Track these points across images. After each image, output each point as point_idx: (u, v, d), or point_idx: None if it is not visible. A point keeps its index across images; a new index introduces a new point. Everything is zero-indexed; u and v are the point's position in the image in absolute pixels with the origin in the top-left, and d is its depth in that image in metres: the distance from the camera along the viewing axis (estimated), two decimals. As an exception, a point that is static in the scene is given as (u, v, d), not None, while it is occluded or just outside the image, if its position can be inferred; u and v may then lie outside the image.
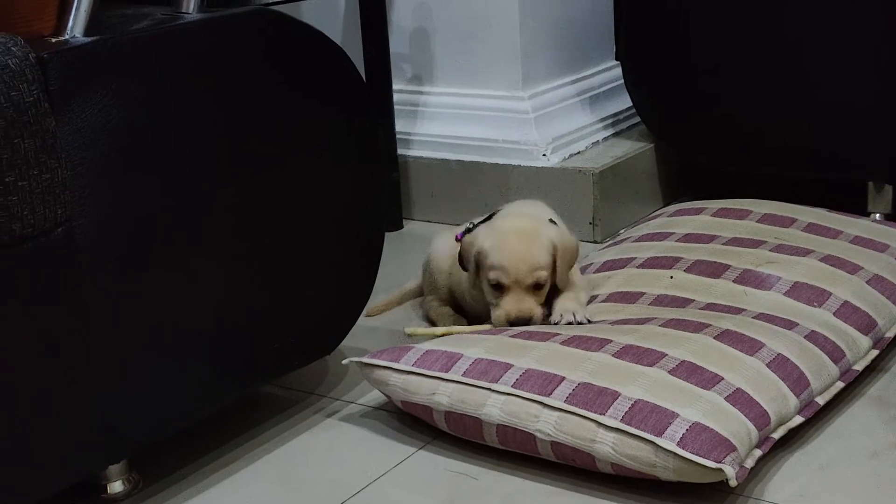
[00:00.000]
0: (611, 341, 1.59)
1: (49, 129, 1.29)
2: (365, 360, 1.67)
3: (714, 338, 1.59)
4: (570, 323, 1.75)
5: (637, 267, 1.92)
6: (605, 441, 1.44)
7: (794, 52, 2.25)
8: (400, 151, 2.54)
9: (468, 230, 1.87)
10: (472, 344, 1.64)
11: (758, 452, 1.45)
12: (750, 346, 1.58)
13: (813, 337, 1.64)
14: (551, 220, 1.83)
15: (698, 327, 1.62)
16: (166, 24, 1.47)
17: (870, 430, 1.58)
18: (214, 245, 1.51)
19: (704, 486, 1.43)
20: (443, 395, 1.58)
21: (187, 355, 1.50)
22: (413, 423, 1.67)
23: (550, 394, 1.50)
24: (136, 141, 1.39)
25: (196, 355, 1.51)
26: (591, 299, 1.86)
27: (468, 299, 1.89)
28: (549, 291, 1.80)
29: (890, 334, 1.75)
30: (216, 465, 1.60)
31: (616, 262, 1.97)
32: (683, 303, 1.79)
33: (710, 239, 1.98)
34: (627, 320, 1.73)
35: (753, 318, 1.68)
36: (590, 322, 1.76)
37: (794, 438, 1.55)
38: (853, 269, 1.83)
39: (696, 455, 1.38)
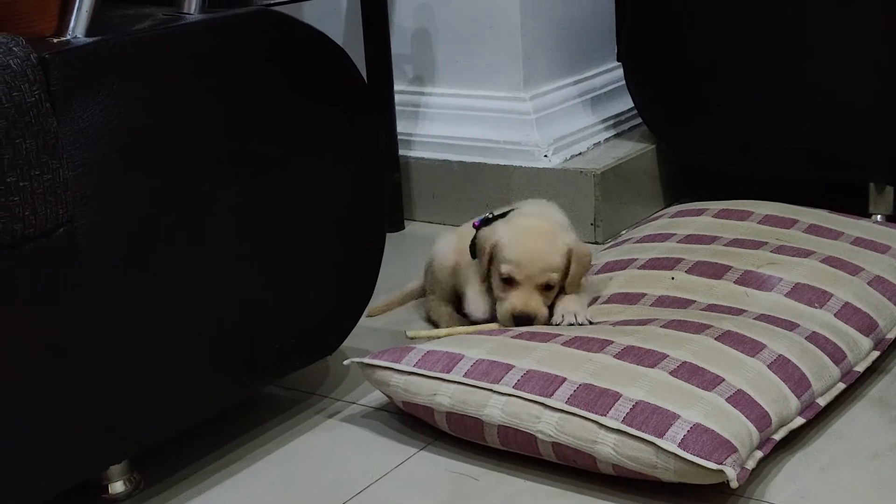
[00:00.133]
0: (612, 342, 1.59)
1: (51, 129, 1.29)
2: (366, 360, 1.67)
3: (715, 339, 1.59)
4: (571, 324, 1.76)
5: (638, 268, 1.92)
6: (607, 442, 1.44)
7: (795, 53, 2.25)
8: (401, 152, 2.54)
9: (487, 220, 1.87)
10: (473, 345, 1.64)
11: (759, 453, 1.45)
12: (751, 347, 1.58)
13: (814, 338, 1.64)
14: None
15: (699, 328, 1.62)
16: (168, 25, 1.47)
17: (871, 432, 1.58)
18: (216, 245, 1.51)
19: (705, 488, 1.43)
20: (444, 395, 1.58)
21: (189, 355, 1.50)
22: (414, 423, 1.67)
23: (552, 395, 1.50)
24: (137, 141, 1.39)
25: (197, 355, 1.51)
26: (593, 300, 1.86)
27: (469, 297, 1.89)
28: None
29: (891, 335, 1.75)
30: (217, 466, 1.60)
31: (617, 263, 1.97)
32: (685, 304, 1.79)
33: (712, 240, 1.98)
34: (629, 321, 1.73)
35: (754, 319, 1.68)
36: (591, 323, 1.76)
37: (795, 440, 1.55)
38: (854, 270, 1.83)
39: (698, 456, 1.38)
